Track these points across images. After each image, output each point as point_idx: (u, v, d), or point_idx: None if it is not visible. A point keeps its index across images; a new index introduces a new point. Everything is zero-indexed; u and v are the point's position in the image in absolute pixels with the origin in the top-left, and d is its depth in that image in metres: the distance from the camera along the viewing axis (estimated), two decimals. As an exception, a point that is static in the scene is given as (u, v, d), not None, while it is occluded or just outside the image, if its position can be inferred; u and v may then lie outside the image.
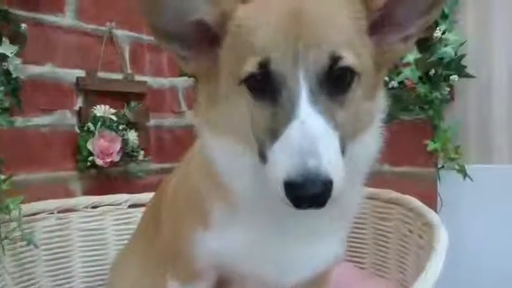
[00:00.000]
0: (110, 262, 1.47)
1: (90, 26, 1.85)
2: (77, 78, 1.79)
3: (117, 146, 1.80)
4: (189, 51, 0.80)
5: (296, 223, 0.83)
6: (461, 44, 1.63)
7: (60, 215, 1.53)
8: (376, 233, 1.53)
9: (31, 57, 1.64)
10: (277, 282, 0.89)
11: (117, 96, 1.91)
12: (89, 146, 1.75)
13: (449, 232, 1.07)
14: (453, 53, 1.60)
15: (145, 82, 2.04)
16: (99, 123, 1.76)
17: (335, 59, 0.68)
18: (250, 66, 0.70)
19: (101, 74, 1.86)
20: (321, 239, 0.87)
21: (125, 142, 1.86)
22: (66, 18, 1.77)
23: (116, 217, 1.64)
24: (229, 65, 0.76)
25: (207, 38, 0.78)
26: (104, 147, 1.76)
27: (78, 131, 1.78)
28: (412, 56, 1.64)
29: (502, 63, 1.65)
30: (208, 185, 0.86)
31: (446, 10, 1.60)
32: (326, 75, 0.68)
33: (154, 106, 2.10)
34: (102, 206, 1.62)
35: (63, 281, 1.53)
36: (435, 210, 1.43)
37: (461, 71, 1.62)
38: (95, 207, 1.60)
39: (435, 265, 0.96)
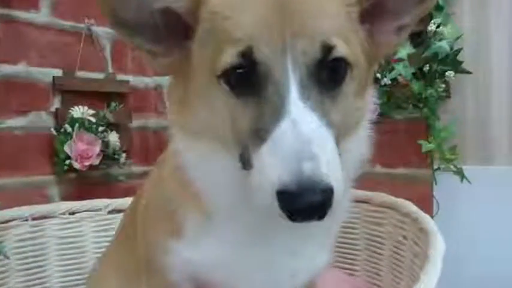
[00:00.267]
0: (88, 271, 1.42)
1: (67, 23, 1.80)
2: (54, 77, 1.75)
3: (97, 148, 1.75)
4: (156, 45, 0.72)
5: (276, 233, 0.78)
6: (458, 38, 1.60)
7: (35, 222, 1.47)
8: (369, 239, 1.47)
9: (4, 56, 1.62)
10: None
11: (98, 97, 1.87)
12: (66, 149, 1.69)
13: (446, 238, 1.04)
14: (449, 48, 1.58)
15: (127, 81, 2.00)
16: (77, 125, 1.71)
17: (327, 49, 0.62)
18: (230, 57, 0.62)
19: (80, 74, 1.82)
20: (304, 250, 0.82)
21: (106, 144, 1.81)
22: (41, 15, 1.73)
23: (95, 224, 1.58)
24: (203, 58, 0.68)
25: (176, 29, 0.70)
26: (82, 150, 1.71)
27: (54, 133, 1.73)
28: (405, 51, 1.61)
29: (502, 58, 1.62)
30: (181, 194, 0.80)
31: (441, 2, 1.57)
32: (317, 66, 0.62)
33: (138, 106, 2.06)
34: (80, 212, 1.55)
35: (39, 292, 1.47)
36: (431, 215, 1.42)
37: (457, 67, 1.60)
38: (72, 213, 1.55)
39: (430, 277, 0.90)
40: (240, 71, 0.62)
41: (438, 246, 1.01)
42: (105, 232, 1.57)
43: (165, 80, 2.11)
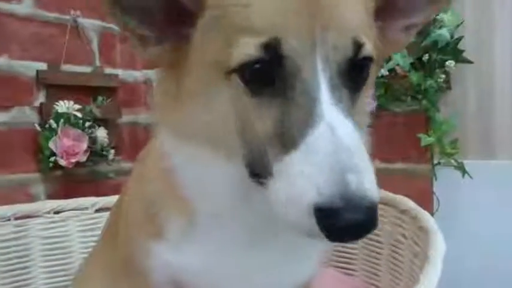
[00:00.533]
0: (74, 272, 1.37)
1: (52, 15, 1.76)
2: (37, 71, 1.71)
3: (83, 144, 1.70)
4: (150, 31, 0.64)
5: (263, 241, 0.73)
6: (458, 26, 1.58)
7: (18, 221, 1.43)
8: (366, 237, 1.42)
9: (-16, 49, 1.57)
10: None
11: (85, 91, 1.83)
12: (51, 146, 1.65)
13: (446, 236, 1.00)
14: (449, 36, 1.55)
15: (116, 75, 1.97)
16: (62, 121, 1.67)
17: (358, 46, 0.56)
18: (250, 49, 0.54)
19: (65, 67, 1.78)
20: (291, 259, 0.77)
21: (93, 140, 1.77)
22: (24, 6, 1.68)
23: (81, 223, 1.53)
24: (206, 49, 0.60)
25: (174, 14, 0.63)
26: (68, 146, 1.66)
27: (39, 129, 1.69)
28: (403, 39, 1.58)
29: (505, 47, 1.60)
30: (164, 197, 0.75)
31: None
32: (347, 64, 0.56)
33: (127, 101, 2.02)
34: (66, 211, 1.51)
35: (23, 294, 1.44)
36: (431, 212, 1.42)
37: (458, 56, 1.57)
38: (57, 212, 1.50)
39: (431, 278, 0.86)
40: (259, 66, 0.55)
41: (438, 246, 0.97)
42: (92, 232, 1.52)
43: (155, 75, 2.11)
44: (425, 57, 1.56)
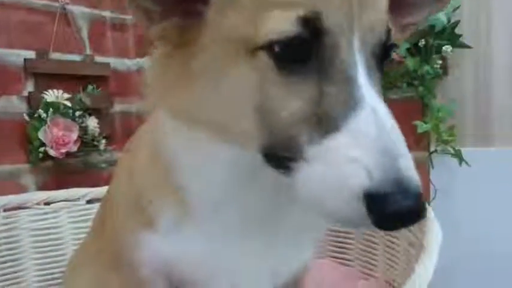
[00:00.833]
0: (66, 264, 1.33)
1: (39, 2, 1.75)
2: (25, 60, 1.70)
3: (74, 134, 1.70)
4: (157, 3, 0.60)
5: (259, 231, 0.72)
6: (456, 9, 1.54)
7: (8, 213, 1.42)
8: None
9: (-31, 37, 1.57)
10: None
11: (75, 80, 1.82)
12: (41, 136, 1.65)
13: (443, 225, 0.99)
14: (446, 20, 1.52)
15: (108, 64, 1.96)
16: (51, 110, 1.66)
17: (388, 31, 0.55)
18: (284, 24, 0.50)
19: (54, 55, 1.77)
20: (286, 248, 0.76)
21: (84, 130, 1.76)
22: None
23: (72, 214, 1.52)
24: (224, 26, 0.56)
25: None
26: (58, 136, 1.66)
27: (27, 118, 1.68)
28: (399, 24, 1.56)
29: (504, 31, 1.56)
30: (157, 188, 0.72)
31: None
32: (380, 48, 0.54)
33: (119, 90, 2.01)
34: (57, 201, 1.50)
35: (14, 287, 1.42)
36: (427, 200, 1.40)
37: (455, 41, 1.55)
38: (48, 203, 1.49)
39: (426, 268, 0.85)
40: (294, 42, 0.51)
41: (435, 235, 0.95)
42: (84, 223, 1.50)
43: (147, 63, 2.10)
44: (422, 42, 1.54)
